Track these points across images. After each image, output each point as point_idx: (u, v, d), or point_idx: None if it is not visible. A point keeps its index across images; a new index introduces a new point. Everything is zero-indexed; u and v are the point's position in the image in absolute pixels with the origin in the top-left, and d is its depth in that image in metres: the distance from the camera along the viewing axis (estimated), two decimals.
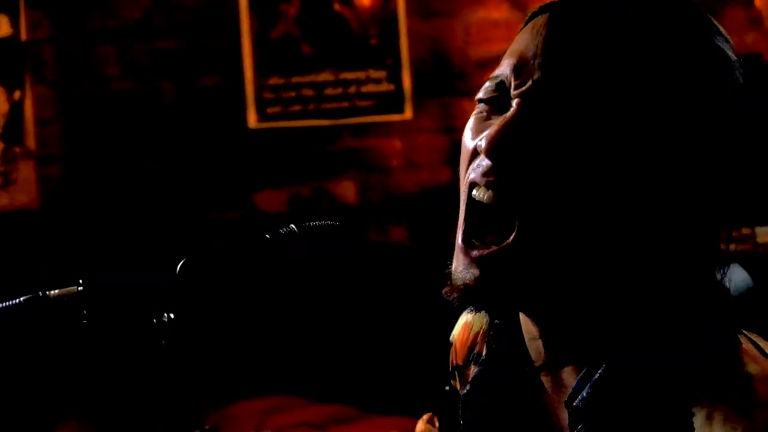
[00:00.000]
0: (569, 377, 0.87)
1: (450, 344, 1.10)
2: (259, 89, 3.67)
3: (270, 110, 3.68)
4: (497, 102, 0.87)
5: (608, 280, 0.83)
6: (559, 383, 0.89)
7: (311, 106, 3.68)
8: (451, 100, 3.73)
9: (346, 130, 3.70)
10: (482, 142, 0.83)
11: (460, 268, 0.85)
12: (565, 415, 0.85)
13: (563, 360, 0.88)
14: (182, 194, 3.65)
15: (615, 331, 0.84)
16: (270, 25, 3.66)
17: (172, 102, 3.66)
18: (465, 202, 0.87)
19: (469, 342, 1.06)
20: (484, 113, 0.89)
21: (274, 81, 3.67)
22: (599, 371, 0.82)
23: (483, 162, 0.85)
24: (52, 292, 0.87)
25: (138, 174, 3.64)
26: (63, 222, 3.59)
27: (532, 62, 0.84)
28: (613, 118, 0.81)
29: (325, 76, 3.67)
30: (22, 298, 0.88)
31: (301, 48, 3.67)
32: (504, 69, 0.87)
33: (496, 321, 0.97)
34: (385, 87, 3.68)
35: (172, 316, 0.88)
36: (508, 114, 0.84)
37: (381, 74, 3.68)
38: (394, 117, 3.70)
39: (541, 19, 0.86)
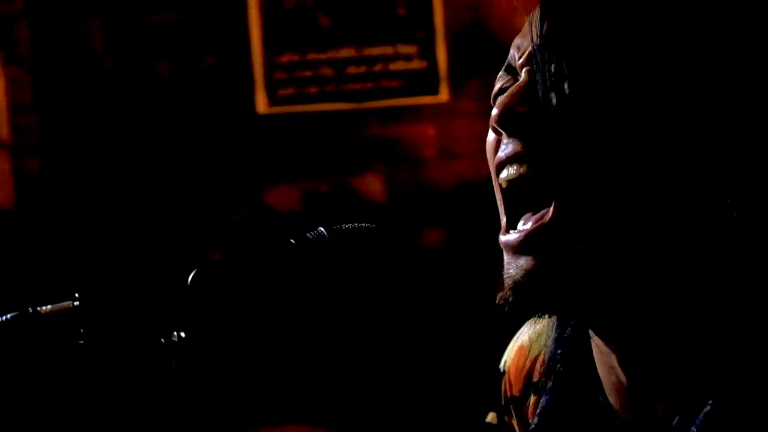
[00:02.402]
0: (662, 410, 0.86)
1: (501, 373, 1.09)
2: (269, 68, 3.68)
3: (282, 92, 3.69)
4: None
5: (675, 263, 0.83)
6: (646, 416, 0.88)
7: (330, 88, 3.69)
8: (494, 79, 3.72)
9: (371, 116, 3.71)
10: (494, 111, 0.89)
11: (508, 263, 0.88)
12: None
13: (650, 387, 0.87)
14: (181, 191, 3.66)
15: (702, 345, 0.83)
16: None
17: (168, 84, 3.68)
18: (499, 193, 0.92)
19: (525, 369, 1.05)
20: None
21: (286, 58, 3.68)
22: (708, 406, 0.81)
23: (505, 140, 0.90)
24: (44, 307, 0.88)
25: (128, 168, 3.66)
26: (43, 223, 3.62)
27: (531, 32, 0.89)
28: (636, 63, 0.83)
29: (346, 52, 3.68)
30: (8, 315, 0.88)
31: (318, 19, 3.68)
32: (510, 54, 0.95)
33: (564, 334, 0.97)
34: (416, 64, 3.69)
35: (182, 335, 0.88)
36: (518, 82, 0.89)
37: (411, 49, 3.68)
38: (428, 99, 3.70)
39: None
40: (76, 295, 0.88)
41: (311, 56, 3.68)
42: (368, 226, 0.95)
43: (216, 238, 3.62)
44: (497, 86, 0.95)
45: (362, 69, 3.68)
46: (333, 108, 3.69)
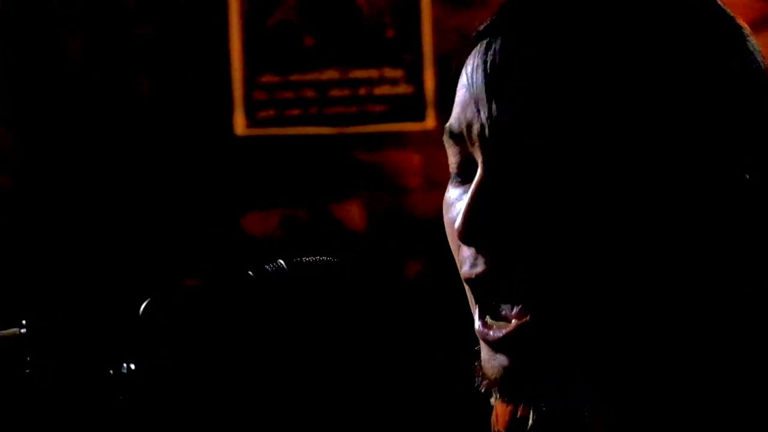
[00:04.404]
0: None
1: (490, 407, 1.11)
2: (249, 88, 3.68)
3: (262, 114, 3.69)
4: (467, 163, 0.88)
5: (669, 341, 0.85)
6: None
7: (312, 111, 3.70)
8: None
9: (354, 141, 3.72)
10: (457, 223, 0.85)
11: (486, 357, 0.88)
12: None
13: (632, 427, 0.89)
14: (155, 213, 3.66)
15: (692, 396, 0.85)
16: (264, 11, 3.69)
17: (146, 103, 3.68)
18: (466, 284, 0.90)
19: (510, 406, 1.07)
20: (457, 181, 0.91)
21: (267, 79, 3.69)
22: None
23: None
24: None
25: (104, 188, 3.65)
26: (13, 245, 3.61)
27: (479, 113, 0.85)
28: (605, 131, 0.82)
29: (329, 75, 3.69)
30: None
31: (301, 39, 3.69)
32: (453, 118, 0.89)
33: None
34: (402, 89, 3.70)
35: (132, 366, 0.89)
36: (475, 180, 0.85)
37: (398, 73, 3.70)
38: (413, 126, 3.71)
39: (475, 50, 0.88)
40: (23, 322, 0.89)
41: (293, 77, 3.69)
42: (331, 260, 0.95)
43: (189, 265, 3.62)
44: (449, 156, 0.91)
45: (346, 92, 3.69)
46: (315, 132, 3.70)
